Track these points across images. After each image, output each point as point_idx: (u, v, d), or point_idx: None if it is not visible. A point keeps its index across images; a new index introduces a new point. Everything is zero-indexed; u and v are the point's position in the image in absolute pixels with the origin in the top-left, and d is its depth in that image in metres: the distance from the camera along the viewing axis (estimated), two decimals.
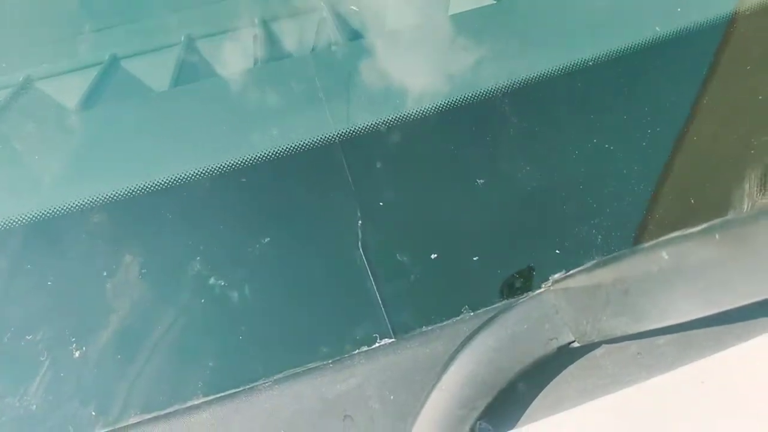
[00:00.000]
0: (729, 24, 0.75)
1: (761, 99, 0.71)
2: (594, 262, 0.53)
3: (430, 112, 0.67)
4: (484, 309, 0.60)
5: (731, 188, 0.65)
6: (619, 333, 0.49)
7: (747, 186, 0.65)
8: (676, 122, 0.70)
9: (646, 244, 0.49)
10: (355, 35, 0.84)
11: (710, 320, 0.57)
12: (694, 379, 0.50)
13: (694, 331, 0.59)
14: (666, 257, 0.47)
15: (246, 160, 0.64)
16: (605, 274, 0.51)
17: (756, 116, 0.70)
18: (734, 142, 0.69)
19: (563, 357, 0.59)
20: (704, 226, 0.47)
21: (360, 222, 0.63)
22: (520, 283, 0.61)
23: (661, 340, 0.59)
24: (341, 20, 0.85)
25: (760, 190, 0.65)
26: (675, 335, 0.59)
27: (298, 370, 0.58)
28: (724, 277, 0.45)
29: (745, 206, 0.63)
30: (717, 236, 0.46)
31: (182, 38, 0.83)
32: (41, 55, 0.80)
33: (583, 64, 0.69)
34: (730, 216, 0.48)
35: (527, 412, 0.58)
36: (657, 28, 0.72)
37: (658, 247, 0.48)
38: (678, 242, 0.48)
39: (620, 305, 0.49)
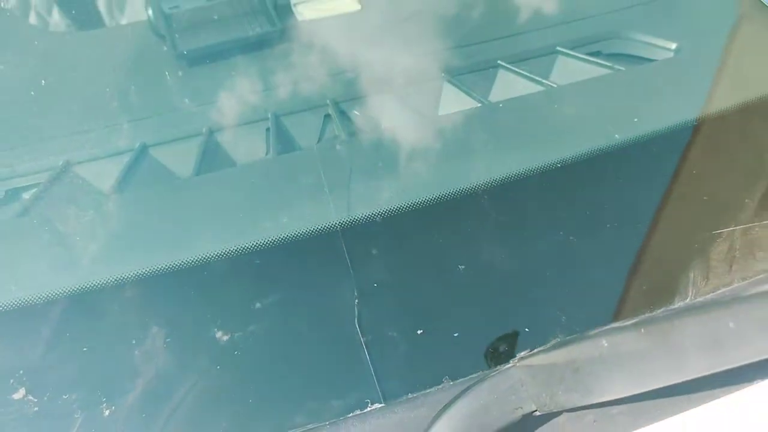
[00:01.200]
0: (686, 131, 0.86)
1: (705, 200, 0.82)
2: (552, 343, 0.62)
3: (420, 205, 0.77)
4: (462, 379, 0.68)
5: (678, 279, 0.75)
6: (570, 405, 0.59)
7: (692, 276, 0.76)
8: (632, 221, 0.80)
9: (591, 332, 0.59)
10: (355, 132, 0.95)
11: (657, 392, 0.66)
12: None
13: (643, 402, 0.68)
14: (605, 344, 0.57)
15: (258, 244, 0.73)
16: (560, 355, 0.60)
17: (701, 216, 0.81)
18: (681, 239, 0.79)
19: (530, 423, 0.68)
20: (635, 320, 0.57)
21: (357, 300, 0.73)
22: (493, 357, 0.70)
23: (615, 409, 0.68)
24: (344, 118, 0.97)
25: (704, 280, 0.75)
26: (626, 405, 0.68)
27: (298, 430, 0.66)
28: (647, 363, 0.55)
29: (690, 294, 0.73)
30: (642, 330, 0.56)
31: (204, 130, 0.94)
32: (80, 143, 0.90)
33: (554, 165, 0.80)
34: (655, 312, 0.58)
35: None
36: (616, 136, 0.83)
37: (600, 336, 0.58)
38: (614, 333, 0.58)
39: (572, 382, 0.58)
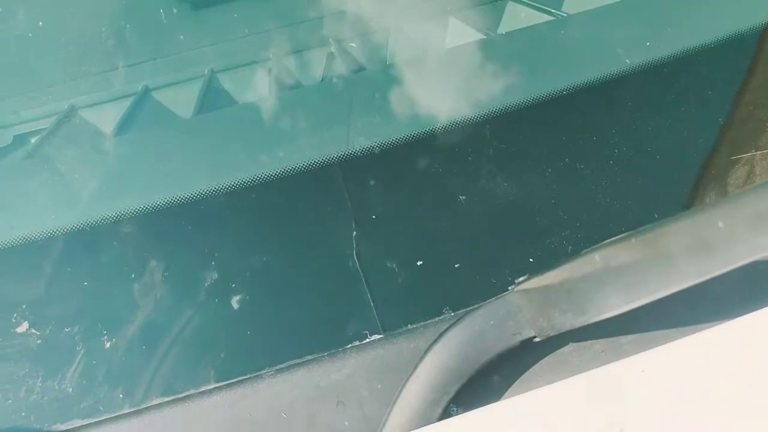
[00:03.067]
0: (700, 56, 0.82)
1: (723, 125, 0.78)
2: (549, 268, 0.60)
3: (420, 136, 0.75)
4: (463, 310, 0.67)
5: (694, 205, 0.72)
6: (568, 327, 0.57)
7: (708, 201, 0.73)
8: (644, 148, 0.77)
9: (584, 251, 0.57)
10: (358, 68, 0.93)
11: (668, 320, 0.64)
12: (634, 370, 0.57)
13: (654, 332, 0.66)
14: (598, 260, 0.55)
15: (255, 179, 0.73)
16: (554, 277, 0.58)
17: (719, 141, 0.78)
18: (697, 165, 0.76)
19: (534, 353, 0.66)
20: (626, 234, 0.55)
21: (355, 233, 0.72)
22: (495, 287, 0.69)
23: (624, 339, 0.66)
24: (347, 55, 0.95)
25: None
26: (636, 335, 0.66)
27: (297, 361, 0.66)
28: (638, 275, 0.53)
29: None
30: (633, 240, 0.53)
31: (206, 72, 0.93)
32: (84, 87, 0.91)
33: (556, 94, 0.77)
34: (647, 225, 0.55)
35: (500, 401, 0.66)
36: (627, 61, 0.79)
37: (592, 252, 0.56)
38: (606, 247, 0.55)
39: (565, 303, 0.56)
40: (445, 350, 0.60)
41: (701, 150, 0.77)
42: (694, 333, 0.60)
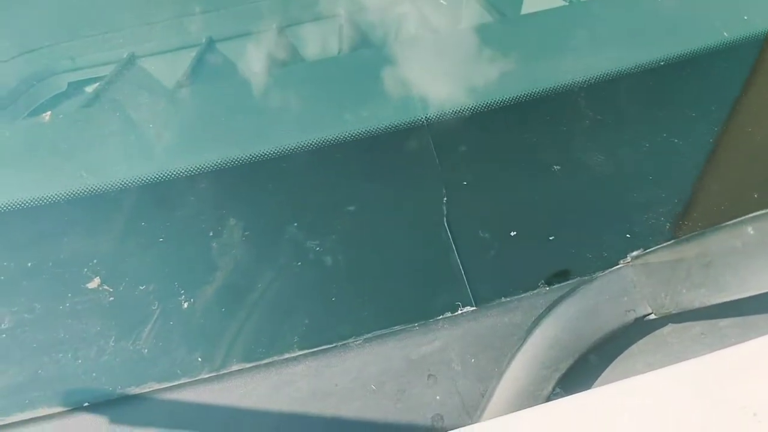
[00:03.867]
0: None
1: None
2: (676, 239, 0.57)
3: (512, 101, 0.71)
4: (559, 285, 0.64)
5: None
6: (697, 304, 0.53)
7: None
8: (739, 119, 0.73)
9: (732, 221, 0.54)
10: (433, 29, 0.89)
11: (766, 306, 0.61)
12: (760, 353, 0.54)
13: (754, 316, 0.63)
14: (752, 232, 0.51)
15: (340, 138, 0.69)
16: (688, 250, 0.55)
17: None
18: None
19: (632, 333, 0.64)
20: None
21: (445, 199, 0.68)
22: (591, 263, 0.66)
23: (724, 322, 0.63)
24: (422, 16, 0.90)
25: None
26: (737, 318, 0.63)
27: (385, 331, 0.63)
28: None
29: None
30: None
31: (273, 26, 0.88)
32: (143, 35, 0.85)
33: (654, 64, 0.74)
34: None
35: (597, 381, 0.63)
36: (725, 34, 0.76)
37: (744, 224, 0.52)
38: (764, 219, 0.52)
39: (701, 277, 0.53)
40: (557, 324, 0.57)
41: None
42: None
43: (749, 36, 0.76)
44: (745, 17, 0.78)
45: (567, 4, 0.88)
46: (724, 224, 0.54)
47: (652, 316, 0.57)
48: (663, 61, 0.74)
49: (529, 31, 0.82)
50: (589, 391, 0.54)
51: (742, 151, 0.71)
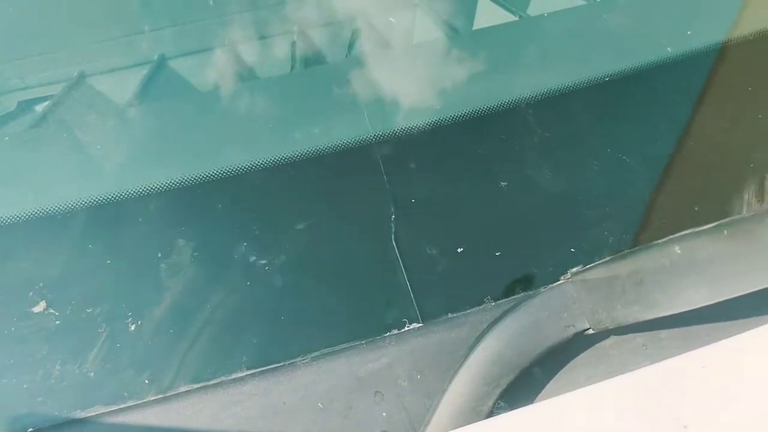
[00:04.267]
0: (733, 46, 0.81)
1: (760, 118, 0.77)
2: (612, 257, 0.59)
3: (461, 119, 0.72)
4: (505, 300, 0.65)
5: (731, 196, 0.71)
6: (631, 320, 0.55)
7: (746, 195, 0.71)
8: (682, 135, 0.75)
9: (661, 240, 0.55)
10: (386, 45, 0.90)
11: (710, 315, 0.63)
12: (695, 365, 0.56)
13: (694, 326, 0.65)
14: (678, 251, 0.53)
15: (290, 156, 0.69)
16: (622, 267, 0.57)
17: (754, 134, 0.77)
18: (734, 154, 0.75)
19: (575, 346, 0.65)
20: (714, 224, 0.53)
21: (393, 216, 0.69)
22: (536, 278, 0.67)
23: (664, 333, 0.65)
24: (374, 32, 0.91)
25: (758, 199, 0.71)
26: (677, 329, 0.65)
27: (333, 349, 0.63)
28: (731, 268, 0.51)
29: (744, 212, 0.69)
30: (725, 232, 0.52)
31: (226, 42, 0.89)
32: (92, 54, 0.85)
33: (599, 80, 0.75)
34: (738, 216, 0.54)
35: (540, 395, 0.64)
36: (668, 49, 0.78)
37: (672, 243, 0.54)
38: (690, 238, 0.54)
39: (634, 294, 0.55)
40: (499, 340, 0.58)
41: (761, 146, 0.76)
42: (735, 329, 0.60)
43: (692, 52, 0.78)
44: (689, 32, 0.80)
45: (518, 19, 0.89)
46: (654, 243, 0.55)
47: (591, 331, 0.59)
48: (609, 77, 0.75)
49: (480, 47, 0.83)
50: (528, 407, 0.56)
51: (686, 165, 0.73)
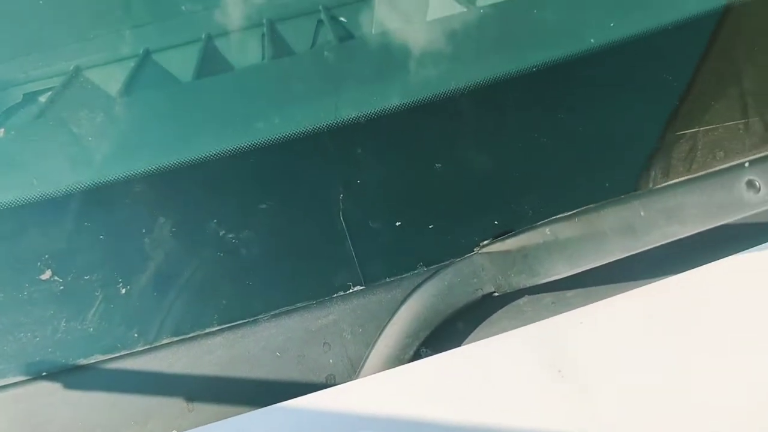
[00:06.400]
0: (660, 35, 0.90)
1: (673, 102, 0.86)
2: (508, 234, 0.70)
3: (402, 107, 0.83)
4: (435, 266, 0.77)
5: (640, 176, 0.82)
6: (521, 285, 0.67)
7: (653, 174, 0.82)
8: (600, 124, 0.86)
9: (539, 223, 0.67)
10: (346, 36, 0.99)
11: (603, 278, 0.74)
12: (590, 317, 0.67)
13: (595, 287, 0.77)
14: (548, 233, 0.65)
15: (253, 144, 0.80)
16: (512, 243, 0.68)
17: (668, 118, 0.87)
18: (645, 139, 0.85)
19: (494, 304, 0.77)
20: (571, 212, 0.65)
21: (341, 196, 0.80)
22: (463, 247, 0.78)
23: (570, 293, 0.77)
24: (335, 23, 1.01)
25: (664, 178, 0.81)
26: (580, 289, 0.77)
27: (289, 307, 0.76)
28: (578, 248, 0.63)
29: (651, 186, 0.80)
30: (576, 219, 0.63)
31: (203, 36, 0.99)
32: (88, 49, 0.96)
33: (529, 70, 0.85)
34: (587, 206, 0.65)
35: (464, 343, 0.77)
36: (591, 40, 0.87)
37: (543, 225, 0.66)
38: (555, 222, 0.65)
39: (521, 265, 0.67)
40: (419, 302, 0.71)
41: (653, 127, 0.86)
42: (628, 289, 0.71)
43: (613, 42, 0.87)
44: (612, 24, 0.89)
45: (465, 10, 0.98)
46: (535, 224, 0.67)
47: (496, 294, 0.71)
48: (536, 67, 0.85)
49: (427, 38, 0.93)
50: (443, 353, 0.68)
51: (602, 145, 0.84)
